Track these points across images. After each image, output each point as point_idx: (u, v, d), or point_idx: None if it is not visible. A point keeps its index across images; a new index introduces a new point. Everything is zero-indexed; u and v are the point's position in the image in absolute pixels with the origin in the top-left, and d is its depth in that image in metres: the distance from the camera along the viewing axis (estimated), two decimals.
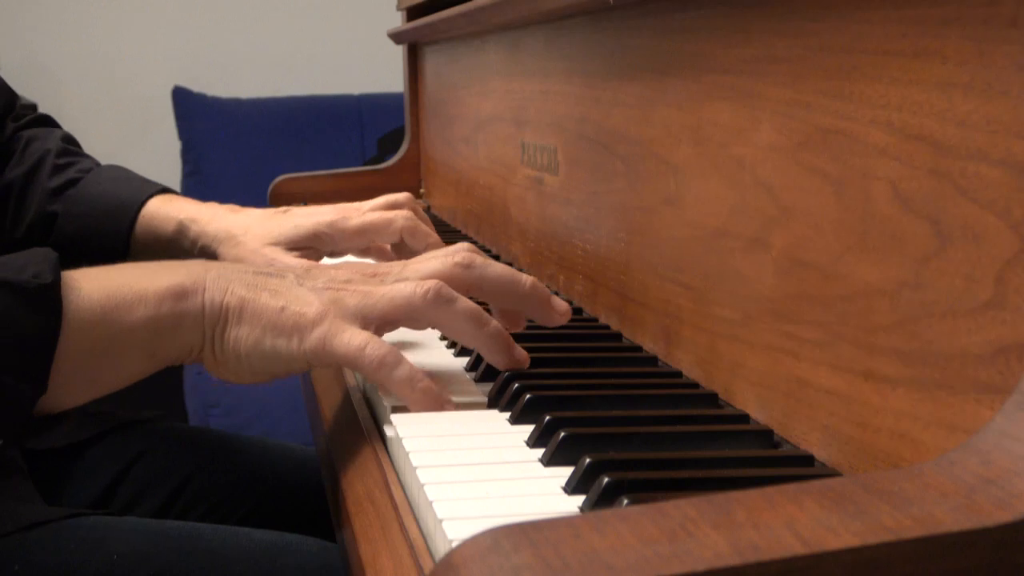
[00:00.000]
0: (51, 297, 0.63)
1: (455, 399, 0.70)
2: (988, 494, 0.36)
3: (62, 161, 1.08)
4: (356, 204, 0.98)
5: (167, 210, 0.99)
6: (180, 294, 0.67)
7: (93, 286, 0.65)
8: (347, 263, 0.75)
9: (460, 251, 0.72)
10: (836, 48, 0.57)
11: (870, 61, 0.54)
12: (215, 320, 0.67)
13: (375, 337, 0.67)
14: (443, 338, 0.86)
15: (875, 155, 0.53)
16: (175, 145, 2.95)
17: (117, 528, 0.81)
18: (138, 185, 1.05)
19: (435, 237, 0.97)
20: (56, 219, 1.04)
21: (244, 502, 1.02)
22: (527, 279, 0.73)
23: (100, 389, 0.68)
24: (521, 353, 0.72)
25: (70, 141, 1.13)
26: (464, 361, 0.79)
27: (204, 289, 0.67)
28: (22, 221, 1.06)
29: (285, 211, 0.97)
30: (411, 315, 0.68)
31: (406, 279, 0.69)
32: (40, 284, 0.63)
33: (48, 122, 1.17)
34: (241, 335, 0.67)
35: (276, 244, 0.91)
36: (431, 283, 0.68)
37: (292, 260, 0.89)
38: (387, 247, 0.99)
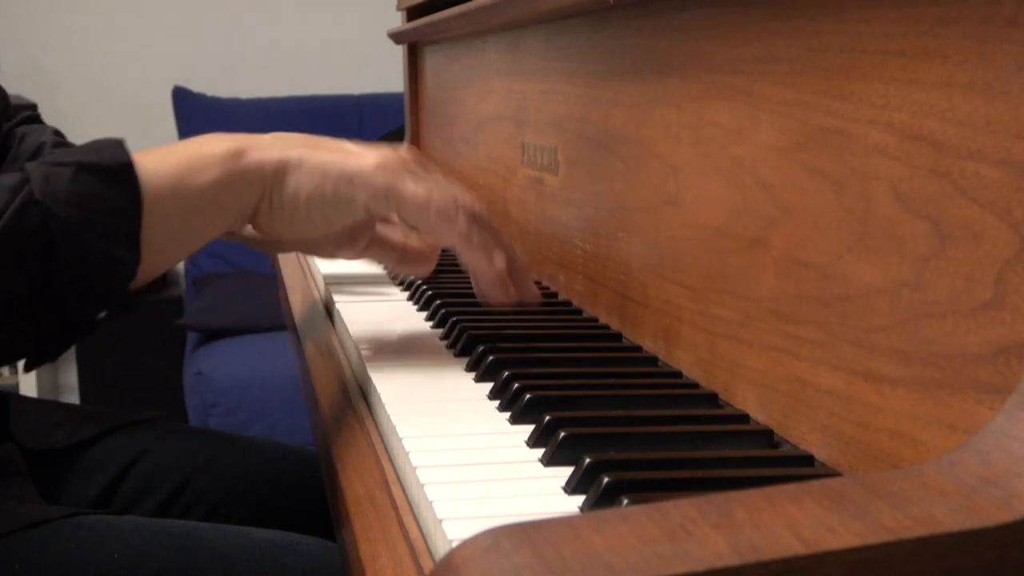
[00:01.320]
0: (130, 174, 0.70)
1: (455, 399, 0.70)
2: (988, 494, 0.36)
3: (59, 150, 1.07)
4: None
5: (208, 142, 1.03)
6: (237, 153, 0.75)
7: (159, 160, 0.73)
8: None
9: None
10: (836, 48, 0.57)
11: (870, 61, 0.54)
12: (274, 172, 0.75)
13: (438, 187, 0.77)
14: (443, 338, 0.86)
15: (875, 155, 0.53)
16: None
17: (117, 527, 0.81)
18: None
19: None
20: None
21: (244, 502, 1.02)
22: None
23: (185, 249, 0.76)
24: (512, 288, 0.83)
25: (59, 135, 1.13)
26: (464, 361, 0.79)
27: (259, 147, 0.75)
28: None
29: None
30: (435, 212, 0.77)
31: (438, 180, 0.79)
32: (120, 163, 0.70)
33: (37, 120, 1.17)
34: (302, 182, 0.75)
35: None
36: (443, 204, 0.77)
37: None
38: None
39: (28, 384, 2.89)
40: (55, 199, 0.67)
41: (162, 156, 0.73)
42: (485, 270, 0.82)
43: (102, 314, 0.72)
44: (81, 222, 0.68)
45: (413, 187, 0.77)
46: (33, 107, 1.20)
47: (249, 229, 0.81)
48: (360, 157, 0.77)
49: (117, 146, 0.71)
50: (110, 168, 0.70)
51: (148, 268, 0.72)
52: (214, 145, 0.75)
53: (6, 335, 0.70)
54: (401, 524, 0.55)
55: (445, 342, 0.85)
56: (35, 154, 1.07)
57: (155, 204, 0.71)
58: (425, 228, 0.78)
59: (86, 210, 0.68)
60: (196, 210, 0.74)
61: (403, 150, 0.80)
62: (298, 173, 0.75)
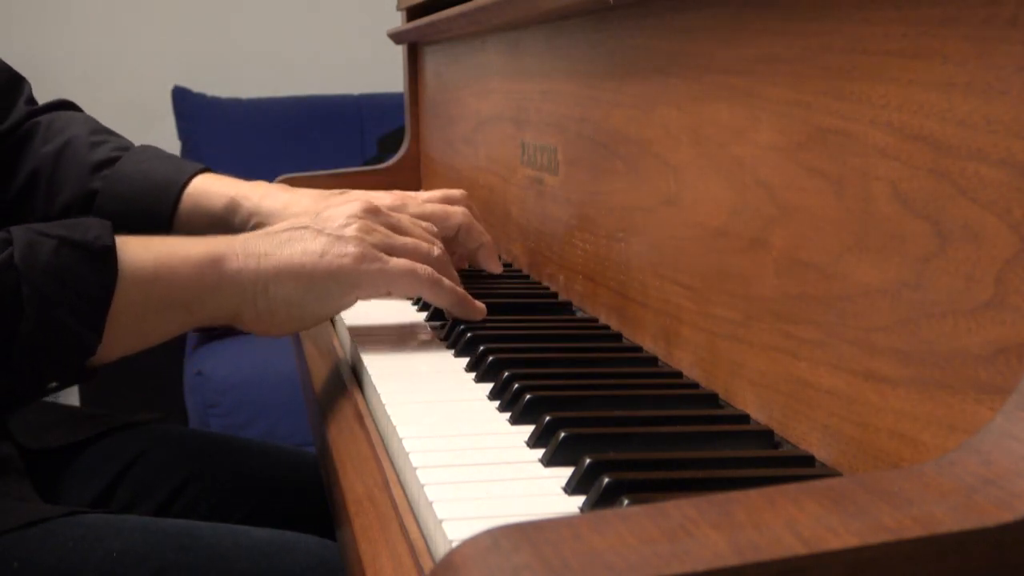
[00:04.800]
0: (110, 258, 0.71)
1: (455, 399, 0.70)
2: (988, 494, 0.36)
3: (97, 139, 1.07)
4: (412, 193, 1.02)
5: (217, 187, 1.01)
6: (218, 259, 0.75)
7: (142, 248, 0.74)
8: (347, 201, 0.85)
9: (432, 247, 0.83)
10: (836, 48, 0.57)
11: (870, 61, 0.54)
12: (253, 283, 0.75)
13: (415, 262, 0.79)
14: (444, 339, 0.86)
15: (875, 155, 0.53)
16: (175, 145, 2.95)
17: (116, 526, 0.81)
18: (179, 163, 1.05)
19: (488, 237, 1.00)
20: (95, 197, 1.03)
21: (244, 503, 1.02)
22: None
23: (145, 342, 0.77)
24: (479, 305, 0.84)
25: (96, 127, 1.12)
26: (464, 361, 0.79)
27: (238, 255, 0.75)
28: (55, 199, 1.05)
29: (342, 193, 0.99)
30: (409, 280, 0.80)
31: (412, 240, 0.82)
32: (103, 245, 0.71)
33: (71, 106, 1.17)
34: (287, 290, 0.76)
35: None
36: (428, 270, 0.80)
37: (337, 208, 0.93)
38: None
39: None
40: (33, 268, 0.69)
41: (144, 245, 0.74)
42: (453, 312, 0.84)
43: (52, 384, 0.73)
44: (53, 295, 0.69)
45: (396, 264, 0.79)
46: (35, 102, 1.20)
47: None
48: (337, 248, 0.77)
49: (104, 228, 0.72)
50: (92, 248, 0.71)
51: (106, 352, 0.73)
52: (194, 247, 0.75)
53: None
54: (401, 524, 0.55)
55: (445, 342, 0.85)
56: (69, 141, 1.06)
57: (127, 292, 0.72)
58: (418, 295, 0.81)
59: (60, 284, 0.69)
60: (165, 307, 0.75)
61: (361, 206, 0.81)
62: (278, 282, 0.76)
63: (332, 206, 0.84)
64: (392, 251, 0.79)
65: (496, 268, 1.02)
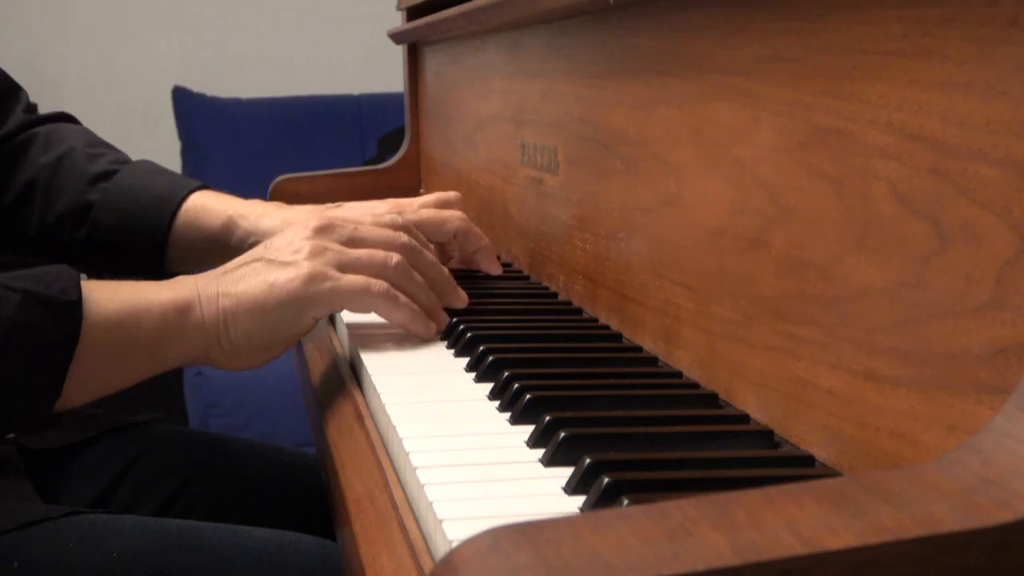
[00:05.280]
0: (74, 313, 0.71)
1: (455, 399, 0.70)
2: (988, 494, 0.36)
3: (95, 151, 1.07)
4: (407, 200, 1.01)
5: (214, 204, 1.00)
6: (183, 307, 0.75)
7: (108, 297, 0.73)
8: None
9: (403, 236, 0.84)
10: (836, 48, 0.57)
11: (870, 61, 0.54)
12: (215, 325, 0.75)
13: (370, 277, 0.79)
14: (444, 338, 0.86)
15: (875, 155, 0.53)
16: (175, 145, 2.95)
17: (116, 526, 0.81)
18: (178, 179, 1.05)
19: (486, 240, 1.01)
20: (91, 209, 1.03)
21: (244, 504, 1.02)
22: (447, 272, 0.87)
23: (109, 388, 0.76)
24: (432, 324, 0.84)
25: (92, 141, 1.12)
26: (464, 361, 0.79)
27: (199, 300, 0.75)
28: (51, 209, 1.05)
29: (338, 206, 1.00)
30: (377, 296, 0.80)
31: (367, 252, 0.81)
32: (67, 300, 0.71)
33: (70, 119, 1.17)
34: (246, 324, 0.76)
35: None
36: (383, 285, 0.79)
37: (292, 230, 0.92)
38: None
39: None
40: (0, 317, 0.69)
41: (112, 292, 0.74)
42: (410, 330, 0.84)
43: (9, 436, 0.74)
44: (13, 351, 0.69)
45: (349, 282, 0.78)
46: (34, 107, 1.20)
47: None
48: (285, 272, 0.77)
49: (71, 280, 0.72)
50: (56, 303, 0.71)
51: (69, 399, 0.73)
52: (160, 294, 0.75)
53: None
54: (401, 524, 0.55)
55: (445, 342, 0.85)
56: (67, 153, 1.06)
57: (91, 341, 0.72)
58: (372, 311, 0.81)
59: (21, 340, 0.69)
60: (129, 354, 0.75)
61: (315, 223, 0.81)
62: (236, 319, 0.76)
63: (296, 226, 0.84)
64: (345, 267, 0.79)
65: (496, 269, 1.02)
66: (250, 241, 0.97)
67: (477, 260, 1.01)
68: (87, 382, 0.73)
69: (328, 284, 0.77)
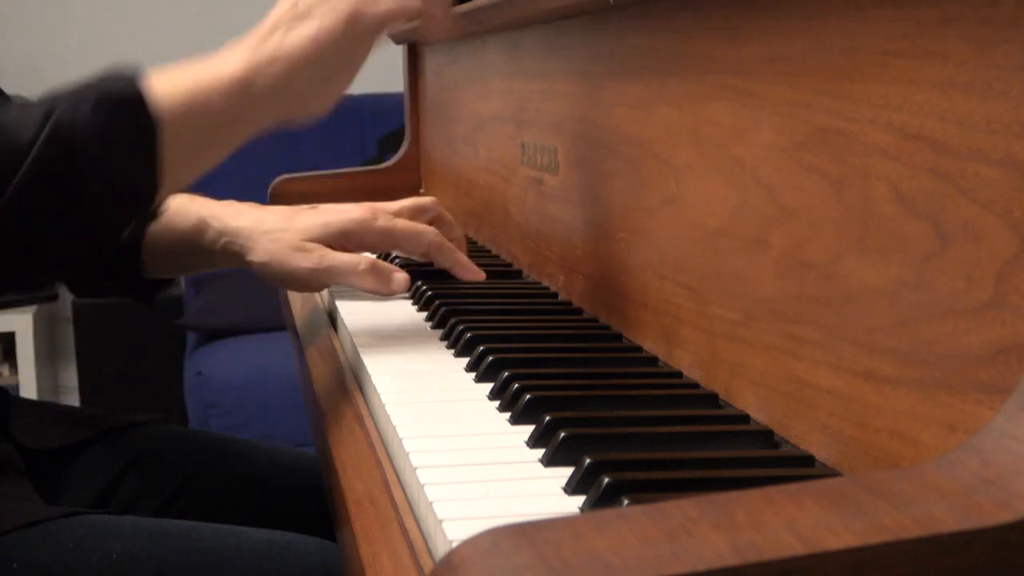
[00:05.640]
0: (145, 107, 0.72)
1: (455, 399, 0.70)
2: (988, 494, 0.36)
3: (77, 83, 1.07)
4: (383, 204, 1.00)
5: (188, 206, 0.99)
6: (246, 84, 0.75)
7: (169, 90, 0.73)
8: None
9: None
10: (836, 48, 0.57)
11: (870, 61, 0.54)
12: (279, 89, 0.77)
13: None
14: (444, 338, 0.86)
15: (875, 155, 0.53)
16: None
17: (117, 527, 0.81)
18: None
19: (459, 256, 1.00)
20: None
21: (244, 504, 1.02)
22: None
23: (204, 167, 0.79)
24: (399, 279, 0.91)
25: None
26: (464, 361, 0.79)
27: (265, 75, 0.76)
28: None
29: (314, 208, 0.98)
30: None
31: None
32: (135, 95, 0.72)
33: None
34: (310, 77, 0.79)
35: (312, 239, 0.93)
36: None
37: (334, 254, 0.93)
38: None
39: (28, 383, 2.89)
40: (79, 133, 0.69)
41: (170, 85, 0.74)
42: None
43: (126, 231, 0.75)
44: (104, 155, 0.70)
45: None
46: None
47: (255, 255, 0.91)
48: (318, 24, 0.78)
49: (130, 78, 0.73)
50: (128, 100, 0.71)
51: (169, 187, 0.75)
52: (220, 72, 0.75)
53: (33, 259, 0.72)
54: (401, 524, 0.55)
55: (445, 342, 0.85)
56: None
57: (171, 131, 0.73)
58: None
59: (108, 143, 0.70)
60: (211, 134, 0.77)
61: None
62: (298, 76, 0.78)
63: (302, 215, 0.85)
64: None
65: (476, 276, 1.01)
66: (222, 242, 0.96)
67: (455, 274, 1.00)
68: (180, 168, 0.75)
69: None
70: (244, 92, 0.75)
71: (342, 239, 0.94)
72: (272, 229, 0.93)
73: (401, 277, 0.92)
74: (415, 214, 1.00)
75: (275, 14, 0.79)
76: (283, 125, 0.80)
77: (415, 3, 0.83)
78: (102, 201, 0.71)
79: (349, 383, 0.80)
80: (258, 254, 0.93)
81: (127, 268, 1.01)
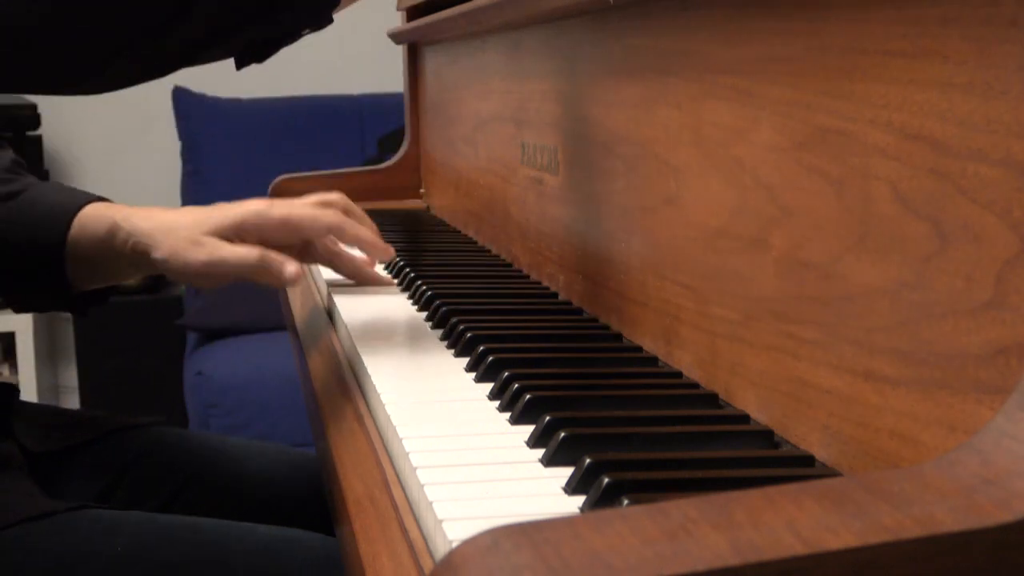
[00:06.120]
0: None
1: (455, 399, 0.70)
2: (988, 494, 0.36)
3: (7, 176, 1.04)
4: (290, 200, 0.99)
5: (102, 212, 0.98)
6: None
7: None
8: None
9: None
10: (836, 48, 0.57)
11: (870, 61, 0.54)
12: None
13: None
14: (443, 338, 0.86)
15: (875, 155, 0.53)
16: (175, 145, 2.95)
17: (121, 521, 0.81)
18: (77, 193, 1.03)
19: (364, 231, 0.98)
20: None
21: (243, 504, 1.02)
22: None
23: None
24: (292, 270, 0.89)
25: (18, 163, 1.09)
26: (464, 361, 0.79)
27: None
28: None
29: (218, 206, 0.97)
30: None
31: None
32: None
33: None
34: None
35: (209, 233, 0.92)
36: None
37: (226, 246, 0.92)
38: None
39: (28, 383, 2.89)
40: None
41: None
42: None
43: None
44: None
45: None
46: (33, 107, 1.19)
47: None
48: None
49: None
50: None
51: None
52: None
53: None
54: (401, 524, 0.55)
55: (445, 342, 0.85)
56: None
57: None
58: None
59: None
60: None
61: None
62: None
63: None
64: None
65: (384, 253, 1.01)
66: (131, 242, 0.95)
67: (364, 251, 1.01)
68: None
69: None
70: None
71: (240, 231, 0.93)
72: (175, 227, 0.93)
73: (292, 268, 0.89)
74: (321, 206, 0.99)
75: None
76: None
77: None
78: None
79: (349, 383, 0.80)
80: (160, 251, 0.93)
81: (54, 278, 0.99)
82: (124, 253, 0.95)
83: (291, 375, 2.12)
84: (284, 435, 2.22)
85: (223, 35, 0.81)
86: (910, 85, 0.51)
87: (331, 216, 0.95)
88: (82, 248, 0.97)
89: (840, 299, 0.56)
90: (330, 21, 0.86)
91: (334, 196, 1.00)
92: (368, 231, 0.99)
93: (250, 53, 0.86)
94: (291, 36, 0.85)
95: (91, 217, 0.98)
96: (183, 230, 0.92)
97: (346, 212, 0.99)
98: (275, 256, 0.89)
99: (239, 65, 0.88)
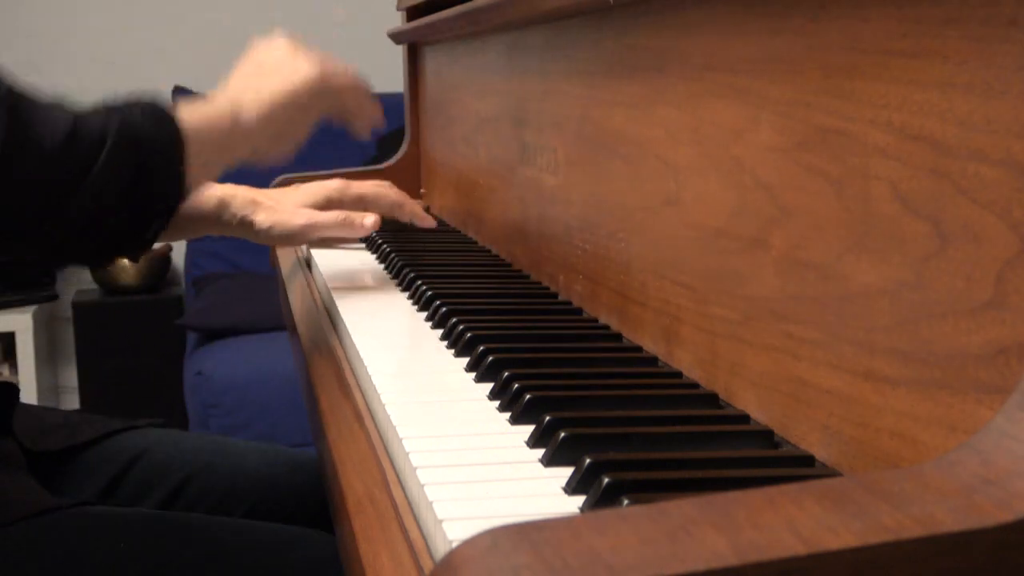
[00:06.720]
0: (174, 122, 0.82)
1: (455, 399, 0.70)
2: (988, 494, 0.36)
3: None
4: (359, 181, 1.26)
5: (202, 189, 1.15)
6: (233, 120, 0.89)
7: (186, 115, 0.84)
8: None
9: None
10: (836, 48, 0.57)
11: (870, 61, 0.54)
12: (255, 125, 0.92)
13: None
14: (444, 338, 0.86)
15: (875, 155, 0.53)
16: None
17: (123, 518, 0.81)
18: None
19: (417, 207, 1.27)
20: None
21: (243, 503, 1.03)
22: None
23: (211, 176, 0.91)
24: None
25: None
26: (464, 361, 0.79)
27: (240, 112, 0.91)
28: None
29: (296, 187, 1.22)
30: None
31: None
32: (165, 112, 0.82)
33: None
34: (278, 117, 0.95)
35: (303, 205, 1.17)
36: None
37: (319, 212, 1.15)
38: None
39: (28, 383, 2.89)
40: (130, 141, 0.78)
41: (185, 108, 0.85)
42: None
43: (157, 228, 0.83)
44: (149, 162, 0.79)
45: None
46: None
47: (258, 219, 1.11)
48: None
49: (154, 103, 0.83)
50: (165, 113, 0.82)
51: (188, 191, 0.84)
52: (213, 109, 0.89)
53: (99, 235, 0.79)
54: (401, 524, 0.55)
55: (445, 342, 0.85)
56: None
57: (191, 144, 0.83)
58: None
59: (149, 152, 0.79)
60: (218, 150, 0.89)
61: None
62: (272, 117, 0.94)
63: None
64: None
65: (429, 223, 1.30)
66: (240, 215, 1.13)
67: (416, 223, 1.28)
68: (195, 176, 0.85)
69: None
70: (232, 127, 0.89)
71: (326, 205, 1.18)
72: (272, 205, 1.15)
73: (371, 219, 1.16)
74: (377, 187, 1.26)
75: (248, 66, 0.98)
76: (255, 162, 0.94)
77: (365, 89, 1.05)
78: (156, 186, 0.80)
79: (349, 383, 0.80)
80: (265, 222, 1.13)
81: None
82: (230, 224, 1.14)
83: (291, 375, 2.12)
84: (284, 435, 2.22)
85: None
86: (910, 85, 0.51)
87: (394, 195, 1.25)
88: (190, 220, 1.14)
89: (840, 299, 0.56)
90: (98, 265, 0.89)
91: (386, 184, 1.27)
92: (419, 208, 1.29)
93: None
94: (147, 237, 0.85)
95: (196, 195, 1.14)
96: (279, 204, 1.15)
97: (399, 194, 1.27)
98: (355, 214, 1.16)
99: (135, 257, 0.94)
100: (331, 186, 1.19)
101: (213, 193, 1.15)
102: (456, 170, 1.41)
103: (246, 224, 1.13)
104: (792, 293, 0.61)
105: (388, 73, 2.89)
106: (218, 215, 1.14)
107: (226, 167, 0.90)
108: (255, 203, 1.14)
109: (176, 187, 0.82)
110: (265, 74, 0.95)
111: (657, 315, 0.79)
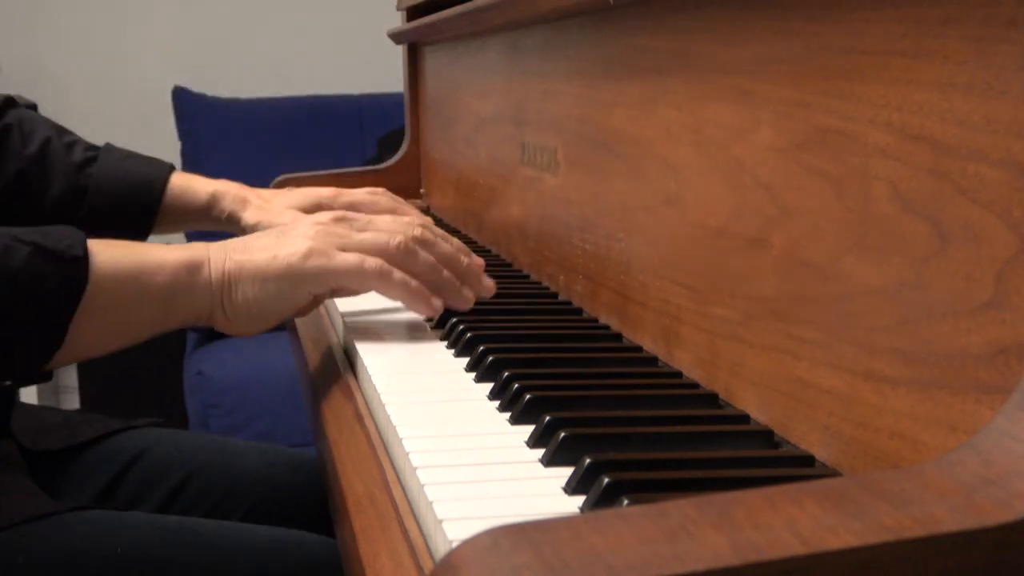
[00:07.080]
0: (81, 267, 0.74)
1: (455, 399, 0.70)
2: (988, 494, 0.36)
3: (68, 139, 1.16)
4: (346, 190, 1.18)
5: (194, 184, 1.16)
6: (193, 266, 0.80)
7: (121, 254, 0.78)
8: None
9: (417, 227, 0.87)
10: (836, 48, 0.57)
11: (870, 61, 0.54)
12: (221, 287, 0.80)
13: (367, 255, 0.83)
14: (443, 338, 0.86)
15: (875, 155, 0.53)
16: (175, 145, 2.94)
17: (121, 522, 0.81)
18: (153, 162, 1.18)
19: (416, 212, 1.13)
20: (86, 193, 1.13)
21: (243, 504, 1.02)
22: (468, 260, 0.90)
23: (118, 343, 0.80)
24: (434, 302, 0.86)
25: (62, 129, 1.19)
26: (464, 361, 0.79)
27: (209, 262, 0.80)
28: (45, 197, 1.12)
29: (290, 190, 1.18)
30: (371, 275, 0.83)
31: (371, 234, 0.85)
32: (74, 255, 0.74)
33: (14, 103, 1.19)
34: (247, 292, 0.80)
35: (292, 208, 1.11)
36: (377, 262, 0.83)
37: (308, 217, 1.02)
38: None
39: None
40: (3, 272, 0.72)
41: (125, 250, 0.79)
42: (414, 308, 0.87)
43: (6, 383, 0.78)
44: (19, 301, 0.72)
45: (343, 259, 0.82)
46: (34, 107, 1.21)
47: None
48: (288, 246, 0.82)
49: (76, 237, 0.76)
50: (64, 257, 0.74)
51: (77, 351, 0.76)
52: (172, 252, 0.80)
53: None
54: (401, 524, 0.55)
55: (445, 342, 0.85)
56: (47, 142, 1.11)
57: (101, 295, 0.75)
58: (371, 290, 0.85)
59: (28, 290, 0.73)
60: (141, 307, 0.79)
61: (331, 216, 0.87)
62: (238, 284, 0.81)
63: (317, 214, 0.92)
64: (347, 247, 0.83)
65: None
66: (229, 211, 1.13)
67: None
68: (95, 335, 0.77)
69: (322, 260, 0.81)
70: (190, 275, 0.80)
71: (315, 210, 1.08)
72: (261, 204, 1.13)
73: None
74: (371, 195, 1.17)
75: (271, 230, 0.88)
76: (207, 324, 0.83)
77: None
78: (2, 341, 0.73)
79: (349, 383, 0.80)
80: (249, 218, 1.11)
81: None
82: (219, 220, 1.13)
83: (291, 375, 2.12)
84: (284, 435, 2.22)
85: None
86: (910, 85, 0.51)
87: (387, 202, 1.13)
88: (179, 217, 1.14)
89: (840, 299, 0.56)
90: (40, 378, 0.82)
91: (379, 190, 1.16)
92: (412, 208, 1.16)
93: None
94: None
95: (187, 190, 1.16)
96: (271, 204, 1.12)
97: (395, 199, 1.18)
98: (345, 218, 1.00)
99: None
100: (323, 192, 1.16)
101: (206, 188, 1.15)
102: (456, 170, 1.41)
103: (234, 220, 1.13)
104: (792, 293, 0.61)
105: (388, 73, 2.89)
106: (209, 209, 1.14)
107: (166, 326, 0.81)
108: (245, 200, 1.14)
109: (40, 341, 0.74)
110: (259, 244, 0.84)
111: (657, 315, 0.79)
